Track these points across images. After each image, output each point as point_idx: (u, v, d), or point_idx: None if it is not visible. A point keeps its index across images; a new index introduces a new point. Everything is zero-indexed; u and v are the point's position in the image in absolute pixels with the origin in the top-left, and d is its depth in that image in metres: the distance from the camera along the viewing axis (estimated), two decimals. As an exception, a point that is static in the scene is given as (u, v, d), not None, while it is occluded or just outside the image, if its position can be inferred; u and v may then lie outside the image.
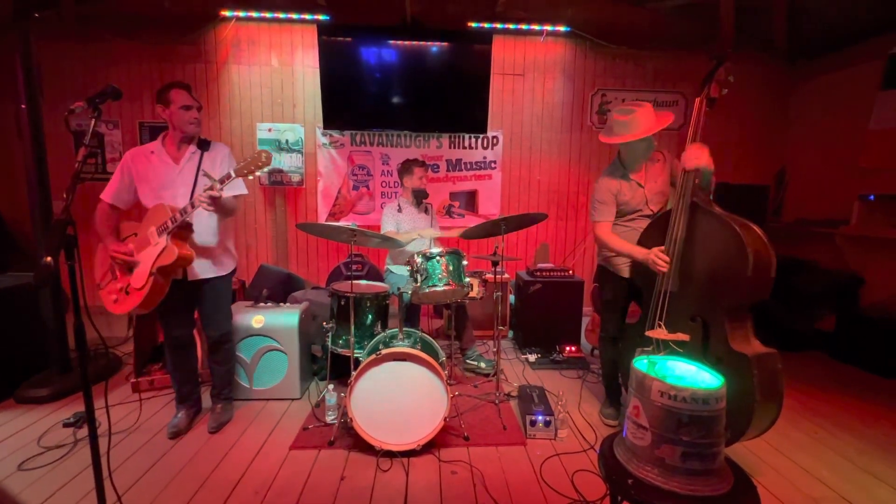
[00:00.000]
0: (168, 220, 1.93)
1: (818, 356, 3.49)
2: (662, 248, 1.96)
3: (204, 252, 2.16)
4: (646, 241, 2.10)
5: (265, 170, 1.96)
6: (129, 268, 2.02)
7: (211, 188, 1.90)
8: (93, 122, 1.40)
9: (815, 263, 3.78)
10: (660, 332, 1.85)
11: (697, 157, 1.87)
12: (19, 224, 4.04)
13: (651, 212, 2.22)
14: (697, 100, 1.95)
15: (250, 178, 1.93)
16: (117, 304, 2.02)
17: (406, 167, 3.11)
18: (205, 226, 2.15)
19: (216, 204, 1.93)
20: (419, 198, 3.09)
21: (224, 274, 2.27)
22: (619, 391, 2.48)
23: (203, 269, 2.18)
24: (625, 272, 2.27)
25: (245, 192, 2.21)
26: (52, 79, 3.81)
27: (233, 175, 1.92)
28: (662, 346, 1.83)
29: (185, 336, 2.28)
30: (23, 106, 2.59)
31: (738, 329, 1.83)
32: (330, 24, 3.93)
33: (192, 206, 1.91)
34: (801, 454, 2.16)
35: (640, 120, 2.07)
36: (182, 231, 1.99)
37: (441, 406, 2.07)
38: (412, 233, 2.92)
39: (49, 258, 1.14)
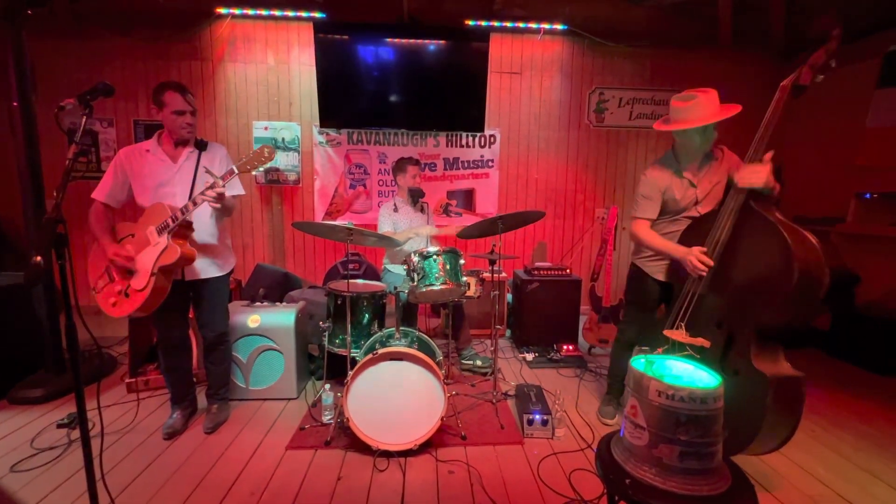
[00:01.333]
0: (168, 219, 1.92)
1: (814, 354, 3.50)
2: (704, 248, 1.79)
3: (204, 251, 2.15)
4: (687, 240, 1.95)
5: (267, 165, 1.96)
6: (127, 270, 1.99)
7: (212, 185, 1.89)
8: (84, 119, 1.38)
9: (812, 261, 3.79)
10: (678, 334, 1.72)
11: (752, 176, 1.62)
12: (13, 223, 4.01)
13: (698, 214, 2.02)
14: (783, 84, 1.65)
15: (254, 173, 1.94)
16: (116, 307, 1.99)
17: (399, 166, 3.09)
18: (204, 224, 2.15)
19: (222, 200, 1.93)
20: (415, 197, 3.07)
21: (223, 273, 2.26)
22: (621, 391, 2.46)
23: (203, 269, 2.17)
24: (660, 275, 2.12)
25: (243, 192, 2.25)
26: (47, 76, 3.76)
27: (236, 171, 1.92)
28: (678, 348, 1.71)
29: (180, 337, 2.26)
30: (14, 104, 2.57)
31: (766, 345, 1.67)
32: (326, 21, 3.91)
33: (194, 204, 1.90)
34: (799, 452, 2.16)
35: (701, 107, 1.82)
36: (182, 230, 1.98)
37: (438, 405, 2.06)
38: (408, 231, 2.91)
39: (39, 257, 1.12)
